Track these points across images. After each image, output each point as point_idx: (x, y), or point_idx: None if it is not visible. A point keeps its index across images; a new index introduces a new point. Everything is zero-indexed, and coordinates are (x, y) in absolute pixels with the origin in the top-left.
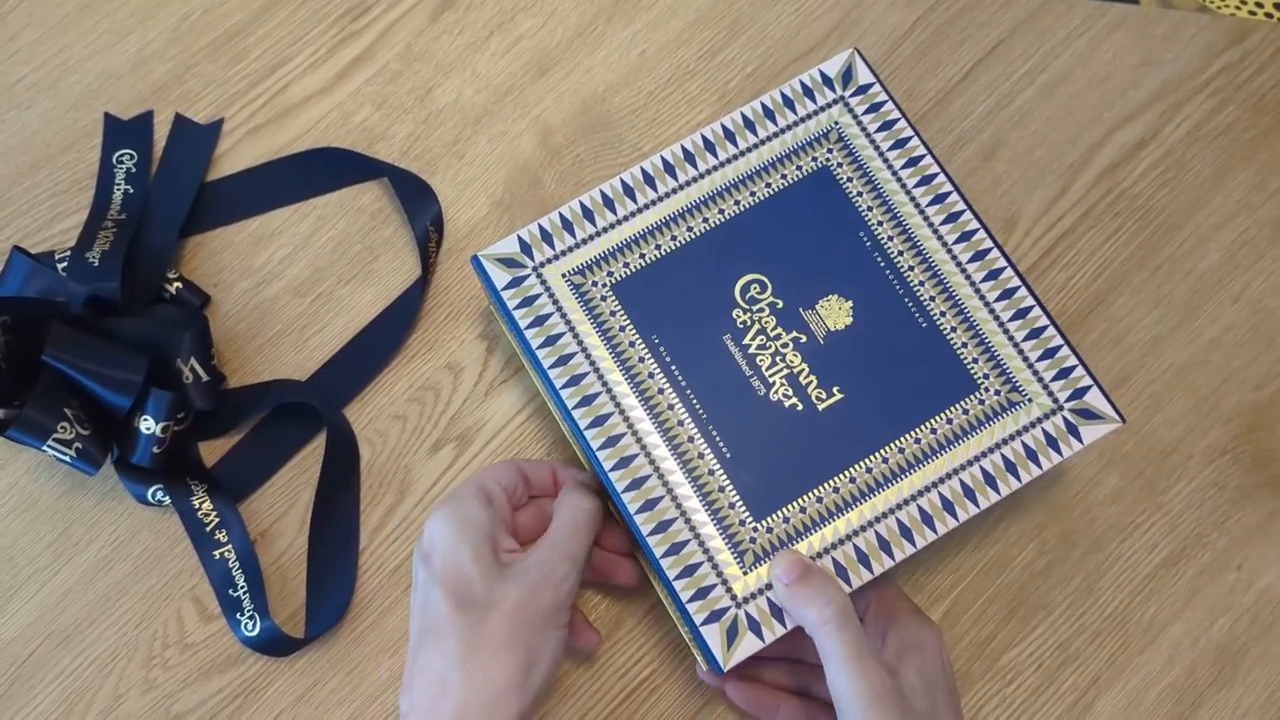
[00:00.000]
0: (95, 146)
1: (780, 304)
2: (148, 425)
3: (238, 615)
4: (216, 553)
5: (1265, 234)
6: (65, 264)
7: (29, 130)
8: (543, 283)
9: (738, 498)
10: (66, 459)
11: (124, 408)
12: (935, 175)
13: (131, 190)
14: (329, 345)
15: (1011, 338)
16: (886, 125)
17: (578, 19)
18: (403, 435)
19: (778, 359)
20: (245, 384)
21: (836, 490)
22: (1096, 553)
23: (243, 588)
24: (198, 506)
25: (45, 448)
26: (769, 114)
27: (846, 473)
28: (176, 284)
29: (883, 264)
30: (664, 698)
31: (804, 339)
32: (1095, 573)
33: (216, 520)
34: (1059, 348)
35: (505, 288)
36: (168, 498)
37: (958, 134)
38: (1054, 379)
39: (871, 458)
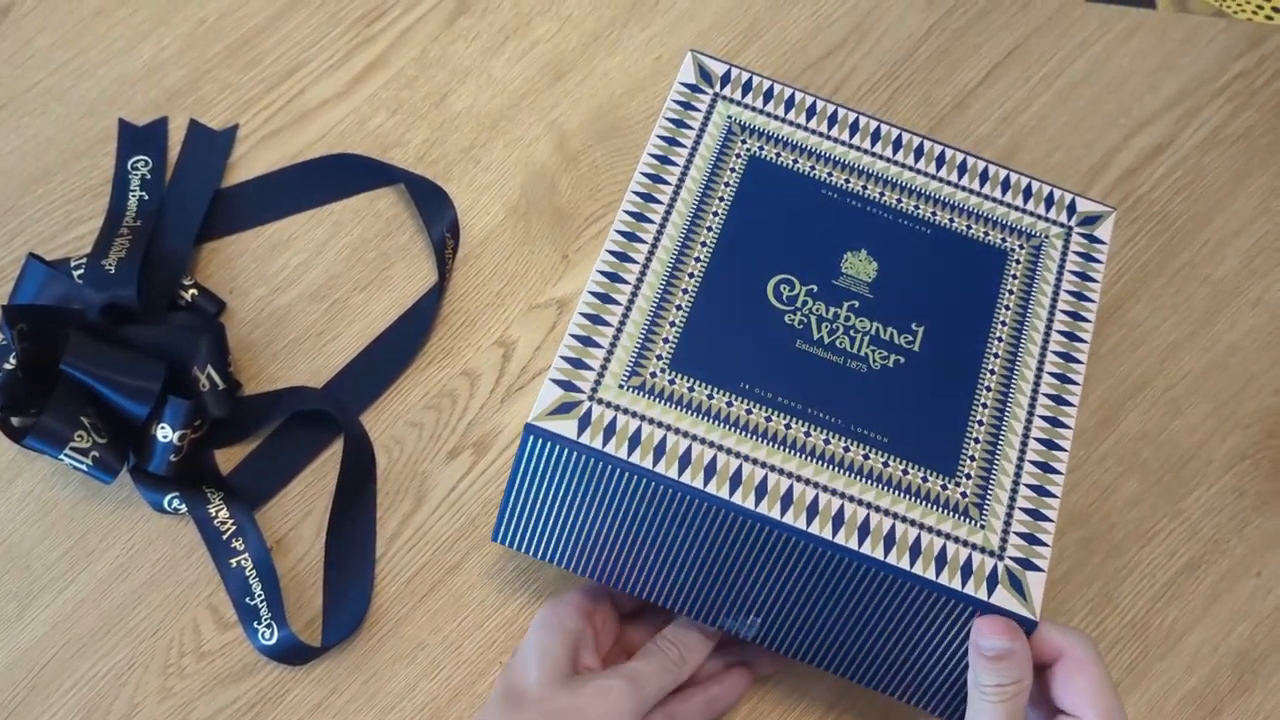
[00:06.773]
0: (110, 153)
1: (815, 287)
2: (165, 433)
3: (255, 623)
4: (233, 561)
5: None
6: (81, 271)
7: (43, 136)
8: (608, 405)
9: (923, 469)
10: (83, 467)
11: (142, 416)
12: (836, 111)
13: (146, 197)
14: (345, 352)
15: (993, 198)
16: (768, 95)
17: (593, 23)
18: (419, 442)
19: (852, 332)
20: (261, 391)
21: (985, 405)
22: (1116, 559)
23: (260, 596)
24: (214, 514)
25: (62, 456)
26: (672, 141)
27: (980, 386)
28: (192, 291)
29: (859, 205)
30: None
31: (857, 303)
32: (1114, 579)
33: (233, 528)
34: (1030, 183)
35: (580, 434)
36: (184, 505)
37: (974, 139)
38: (1046, 211)
39: (985, 358)
